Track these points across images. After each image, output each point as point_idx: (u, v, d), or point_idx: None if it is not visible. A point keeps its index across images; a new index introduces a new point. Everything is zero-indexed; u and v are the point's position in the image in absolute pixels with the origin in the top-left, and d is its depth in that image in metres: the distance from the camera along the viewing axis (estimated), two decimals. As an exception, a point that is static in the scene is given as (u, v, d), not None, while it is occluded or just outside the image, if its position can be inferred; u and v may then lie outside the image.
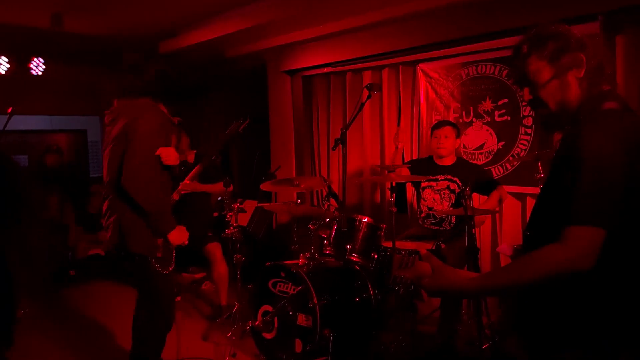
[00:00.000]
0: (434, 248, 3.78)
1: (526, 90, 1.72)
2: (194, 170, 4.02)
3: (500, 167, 4.75)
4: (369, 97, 3.66)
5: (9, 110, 4.01)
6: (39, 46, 5.53)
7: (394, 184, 3.91)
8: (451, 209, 4.13)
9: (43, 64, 5.56)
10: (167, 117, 3.10)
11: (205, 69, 6.59)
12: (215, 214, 5.43)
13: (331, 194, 4.03)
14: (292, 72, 6.28)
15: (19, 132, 6.30)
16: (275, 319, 3.59)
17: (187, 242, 3.09)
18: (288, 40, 5.60)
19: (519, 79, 1.73)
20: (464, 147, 4.94)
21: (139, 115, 2.91)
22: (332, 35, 5.37)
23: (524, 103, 4.53)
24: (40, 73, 5.60)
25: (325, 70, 6.00)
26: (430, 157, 4.42)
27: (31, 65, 5.51)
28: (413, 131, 5.40)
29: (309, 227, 3.88)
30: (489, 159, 4.82)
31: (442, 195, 4.23)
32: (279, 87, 6.41)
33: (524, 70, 1.69)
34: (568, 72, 1.63)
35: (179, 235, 3.01)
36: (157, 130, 2.93)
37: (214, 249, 4.68)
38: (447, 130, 4.22)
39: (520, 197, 4.64)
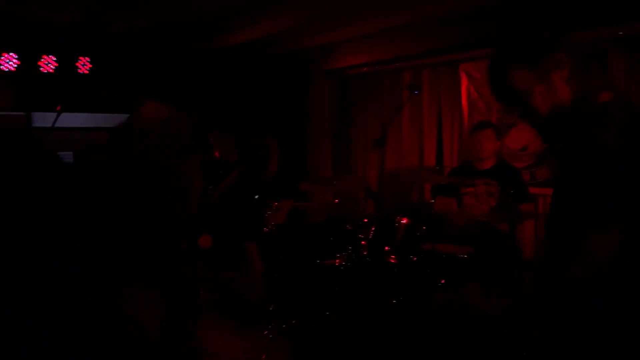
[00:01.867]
0: (473, 252, 3.69)
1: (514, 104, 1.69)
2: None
3: (545, 169, 4.60)
4: (410, 97, 3.60)
5: (58, 108, 4.12)
6: (84, 45, 5.68)
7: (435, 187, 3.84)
8: (492, 212, 4.02)
9: (89, 62, 5.71)
10: None
11: (244, 68, 6.63)
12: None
13: (369, 194, 3.99)
14: (331, 72, 6.26)
15: (65, 129, 6.48)
16: (312, 318, 3.58)
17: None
18: (328, 40, 5.58)
19: (504, 95, 1.68)
20: (507, 148, 4.81)
21: None
22: (372, 34, 5.32)
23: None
24: (86, 72, 5.75)
25: (365, 70, 5.96)
26: (469, 162, 4.32)
27: (78, 64, 5.66)
28: (454, 132, 5.30)
29: (347, 228, 3.85)
30: (532, 161, 4.68)
31: (481, 200, 4.13)
32: (318, 86, 6.40)
33: (506, 85, 1.64)
34: (552, 74, 1.59)
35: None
36: None
37: (250, 248, 4.70)
38: (488, 133, 4.12)
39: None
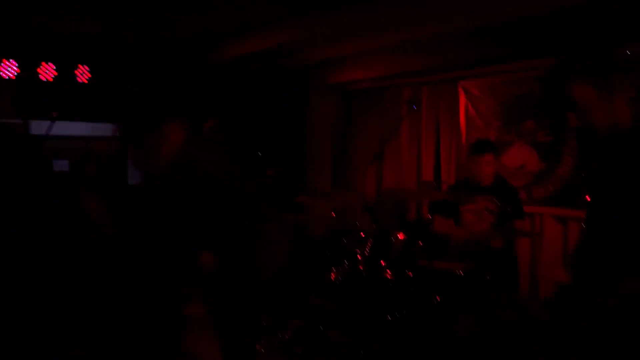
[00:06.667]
0: (470, 269, 3.67)
1: (572, 116, 1.68)
2: None
3: (541, 188, 4.60)
4: (408, 112, 3.60)
5: (54, 114, 4.10)
6: (85, 54, 5.69)
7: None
8: (491, 230, 4.00)
9: (89, 71, 5.71)
10: None
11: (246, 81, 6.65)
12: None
13: (367, 208, 3.97)
14: (333, 86, 6.28)
15: (61, 138, 6.45)
16: (307, 333, 3.54)
17: None
18: (329, 54, 5.60)
19: (558, 105, 1.72)
20: (504, 166, 4.81)
21: None
22: (374, 50, 5.34)
23: (571, 124, 4.38)
24: (85, 81, 5.75)
25: (365, 85, 5.98)
26: (467, 179, 4.29)
27: (77, 73, 5.66)
28: (452, 148, 5.31)
29: (343, 242, 3.83)
30: (529, 180, 4.68)
31: (481, 217, 4.10)
32: (319, 100, 6.42)
33: (564, 96, 1.65)
34: (615, 95, 1.59)
35: None
36: None
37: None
38: (489, 157, 4.06)
39: (562, 220, 4.48)
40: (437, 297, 3.57)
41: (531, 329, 3.91)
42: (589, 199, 3.67)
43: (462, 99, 5.17)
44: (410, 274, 3.61)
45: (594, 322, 1.53)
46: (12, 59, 5.31)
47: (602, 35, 3.45)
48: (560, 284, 3.57)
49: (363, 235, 3.75)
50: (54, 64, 5.55)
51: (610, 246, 1.60)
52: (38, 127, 5.72)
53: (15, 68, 5.37)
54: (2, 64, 5.26)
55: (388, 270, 3.59)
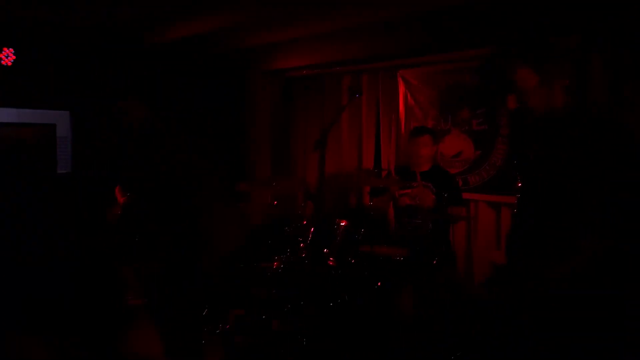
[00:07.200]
0: (410, 254, 3.76)
1: (512, 98, 1.77)
2: None
3: (476, 176, 4.77)
4: (350, 100, 3.63)
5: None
6: (10, 36, 5.35)
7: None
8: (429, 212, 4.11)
9: (14, 54, 5.37)
10: None
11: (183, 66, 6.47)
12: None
13: (309, 196, 3.98)
14: (272, 73, 6.22)
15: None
16: (248, 323, 3.52)
17: None
18: (269, 40, 5.53)
19: (503, 87, 1.78)
20: (441, 154, 4.95)
21: None
22: (313, 37, 5.32)
23: (503, 112, 4.54)
24: (10, 64, 5.41)
25: (304, 72, 5.96)
26: (407, 165, 4.40)
27: (1, 56, 5.31)
28: (391, 137, 5.40)
29: (285, 230, 3.82)
30: (465, 167, 4.83)
31: (418, 200, 4.21)
32: (259, 87, 6.34)
33: (510, 78, 1.74)
34: (554, 82, 1.69)
35: None
36: None
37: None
38: (425, 138, 4.23)
39: (495, 205, 4.67)
40: (379, 283, 3.64)
41: (469, 308, 4.07)
42: (519, 185, 3.85)
43: (402, 88, 5.26)
44: (352, 260, 3.66)
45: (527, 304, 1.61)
46: None
47: (544, 25, 3.59)
48: (495, 264, 3.75)
49: (305, 223, 3.76)
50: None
51: (539, 230, 1.69)
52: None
53: None
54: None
55: (331, 258, 3.62)
